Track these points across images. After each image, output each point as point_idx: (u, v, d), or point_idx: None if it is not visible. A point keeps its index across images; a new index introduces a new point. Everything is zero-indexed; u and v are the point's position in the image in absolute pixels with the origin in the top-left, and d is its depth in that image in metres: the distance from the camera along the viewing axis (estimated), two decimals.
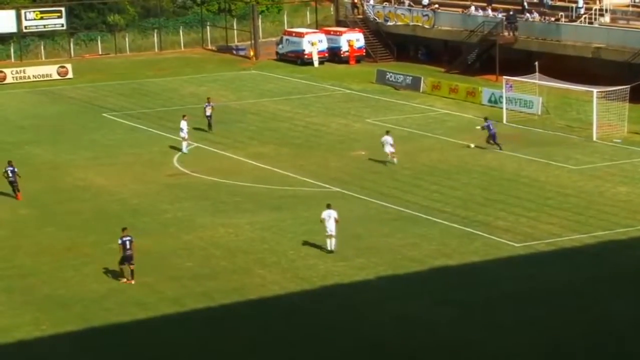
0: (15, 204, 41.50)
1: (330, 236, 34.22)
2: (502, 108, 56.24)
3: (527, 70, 57.11)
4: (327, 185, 43.36)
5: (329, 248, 34.26)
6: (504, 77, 58.60)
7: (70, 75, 73.58)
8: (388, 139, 45.90)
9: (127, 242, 32.20)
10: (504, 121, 54.51)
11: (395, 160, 45.79)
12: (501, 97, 57.42)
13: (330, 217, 34.15)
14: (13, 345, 27.88)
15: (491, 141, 48.22)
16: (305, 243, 35.62)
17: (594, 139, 50.28)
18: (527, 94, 56.97)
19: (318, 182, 43.99)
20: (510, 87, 57.35)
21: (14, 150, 50.03)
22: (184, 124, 49.76)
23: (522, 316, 29.04)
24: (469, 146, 48.79)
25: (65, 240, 36.80)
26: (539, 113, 56.31)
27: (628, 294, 30.61)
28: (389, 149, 45.83)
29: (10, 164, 42.36)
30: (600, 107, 51.02)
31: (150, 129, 54.95)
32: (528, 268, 33.13)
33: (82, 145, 52.07)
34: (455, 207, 39.53)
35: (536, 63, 56.25)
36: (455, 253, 34.42)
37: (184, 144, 49.86)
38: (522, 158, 47.13)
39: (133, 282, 32.15)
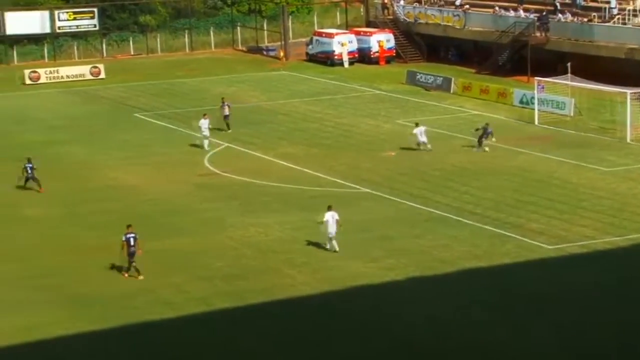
0: (45, 202, 41.58)
1: (331, 238, 34.16)
2: (533, 109, 55.81)
3: (559, 71, 56.69)
4: (357, 186, 43.16)
5: (335, 249, 34.23)
6: (536, 78, 58.15)
7: (102, 75, 74.06)
8: (421, 129, 47.81)
9: (132, 239, 32.39)
10: (536, 122, 54.10)
11: (429, 146, 47.85)
12: (533, 98, 56.96)
13: (332, 218, 34.09)
14: (39, 344, 27.86)
15: (482, 140, 48.40)
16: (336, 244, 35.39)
17: (628, 140, 49.75)
18: (559, 95, 56.49)
19: (348, 182, 43.80)
20: (542, 88, 56.89)
21: (46, 149, 50.33)
22: (203, 122, 49.87)
23: (553, 318, 28.70)
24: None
25: (94, 239, 36.82)
26: (572, 114, 55.80)
27: None
28: (422, 139, 47.74)
29: (29, 160, 42.85)
30: (634, 108, 50.50)
31: (181, 129, 55.00)
32: (560, 270, 32.80)
33: (113, 145, 52.23)
34: (486, 209, 39.20)
35: (568, 64, 55.85)
36: (486, 255, 34.11)
37: (205, 142, 49.98)
38: (554, 159, 46.72)
39: (142, 277, 32.23)
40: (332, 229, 34.08)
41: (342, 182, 43.95)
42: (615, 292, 30.74)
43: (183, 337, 28.13)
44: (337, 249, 34.23)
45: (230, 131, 53.77)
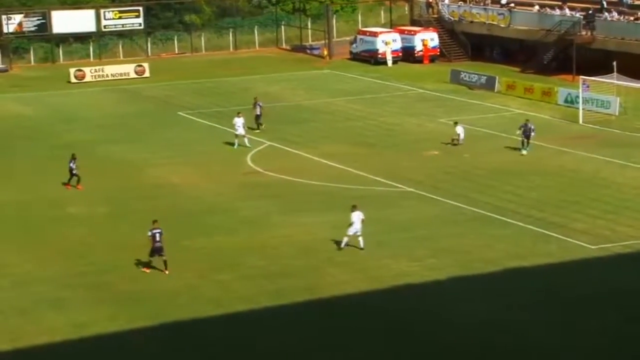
0: (89, 200, 42.02)
1: (357, 235, 34.56)
2: (578, 108, 55.50)
3: (604, 70, 56.29)
4: (400, 185, 43.20)
5: (360, 246, 34.59)
6: (581, 77, 57.86)
7: (147, 74, 74.63)
8: (460, 128, 49.20)
9: (157, 235, 32.90)
10: (580, 122, 53.78)
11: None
12: (577, 97, 56.68)
13: (358, 218, 34.50)
14: (90, 340, 28.26)
15: (527, 139, 47.91)
16: (378, 243, 35.52)
17: None
18: (604, 94, 56.16)
19: (391, 181, 43.85)
20: (587, 87, 56.57)
21: (92, 148, 50.86)
22: (237, 121, 50.40)
23: (597, 319, 28.62)
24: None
25: (140, 237, 37.15)
26: (617, 113, 55.43)
27: None
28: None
29: (73, 157, 43.65)
30: None
31: (225, 127, 55.26)
32: (604, 271, 32.66)
33: (157, 144, 52.68)
34: (529, 208, 39.08)
35: (614, 63, 55.43)
36: (529, 254, 34.03)
37: (245, 139, 50.50)
38: (599, 159, 46.45)
39: (167, 272, 32.73)
40: (357, 227, 34.46)
41: (385, 181, 44.01)
42: None
43: (229, 335, 28.42)
44: (363, 245, 34.63)
45: (260, 129, 53.91)
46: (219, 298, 31.04)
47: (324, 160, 48.19)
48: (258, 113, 54.59)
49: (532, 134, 47.88)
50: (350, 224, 34.53)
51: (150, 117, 60.35)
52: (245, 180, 45.01)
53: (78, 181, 43.59)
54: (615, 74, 54.43)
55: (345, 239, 34.70)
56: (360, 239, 34.59)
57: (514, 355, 26.71)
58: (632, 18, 64.84)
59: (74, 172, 43.49)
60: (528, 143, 47.94)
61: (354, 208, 34.81)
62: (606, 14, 66.58)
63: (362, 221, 34.53)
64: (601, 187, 42.00)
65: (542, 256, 33.85)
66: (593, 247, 34.57)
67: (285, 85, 69.84)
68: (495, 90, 64.54)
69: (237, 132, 50.56)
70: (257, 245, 35.82)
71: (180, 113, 60.87)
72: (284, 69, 76.81)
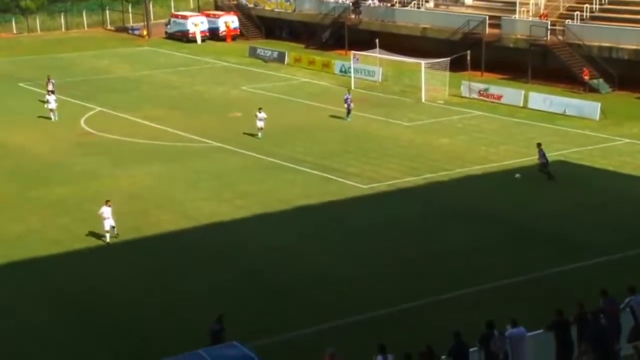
0: None
1: (113, 227, 29.34)
2: (350, 77, 56.49)
3: (370, 46, 57.44)
4: (210, 141, 42.75)
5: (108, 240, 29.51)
6: (352, 51, 58.84)
7: None
8: (261, 115, 42.40)
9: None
10: (352, 87, 54.75)
11: (260, 135, 42.11)
12: (350, 67, 57.65)
13: (108, 211, 29.12)
14: None
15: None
16: (193, 188, 35.07)
17: (423, 100, 51.04)
18: (370, 65, 57.34)
19: (202, 138, 43.31)
20: (357, 59, 57.60)
21: None
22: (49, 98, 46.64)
23: (374, 244, 29.14)
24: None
25: None
26: (380, 81, 56.79)
27: (456, 224, 31.18)
28: (260, 124, 42.23)
29: None
30: (427, 75, 51.78)
31: (60, 96, 52.74)
32: (373, 205, 33.45)
33: (1, 111, 49.79)
34: (315, 157, 39.53)
35: (377, 40, 56.66)
36: (315, 194, 34.42)
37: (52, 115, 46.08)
38: (367, 117, 47.44)
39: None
40: (108, 222, 29.18)
41: (198, 138, 43.42)
42: (418, 221, 31.49)
43: (70, 270, 27.41)
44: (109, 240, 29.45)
45: (51, 104, 47.87)
46: (60, 239, 29.86)
47: (146, 122, 47.00)
48: (51, 89, 49.93)
49: (351, 104, 46.22)
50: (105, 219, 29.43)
51: None
52: (79, 140, 43.31)
53: None
54: (377, 49, 55.61)
55: (107, 235, 29.47)
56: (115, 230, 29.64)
57: (304, 279, 26.93)
58: (389, 4, 66.38)
59: None
60: (349, 112, 46.15)
61: (106, 203, 29.52)
62: (370, 1, 67.87)
63: (112, 213, 29.24)
64: (369, 139, 42.90)
65: (325, 195, 34.33)
66: (364, 186, 35.34)
67: (111, 60, 67.51)
68: (285, 63, 64.73)
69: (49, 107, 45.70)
70: (91, 194, 34.59)
71: (20, 84, 57.76)
72: (110, 47, 74.29)
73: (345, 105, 46.67)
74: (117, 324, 23.63)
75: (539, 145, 35.82)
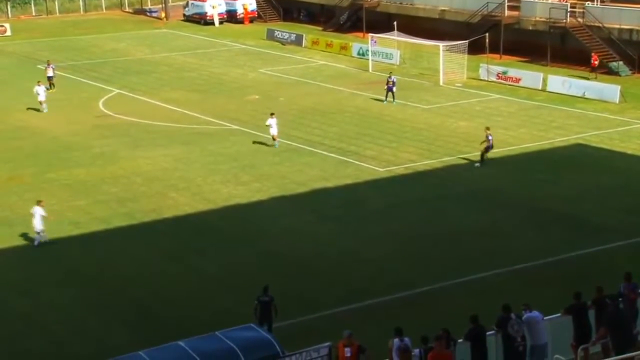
0: None
1: (41, 232, 27.59)
2: (368, 59, 56.23)
3: (388, 28, 57.13)
4: (228, 124, 42.73)
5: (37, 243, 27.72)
6: (370, 34, 58.54)
7: (8, 33, 70.62)
8: (272, 120, 38.08)
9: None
10: (370, 70, 54.50)
11: (276, 144, 38.03)
12: (367, 50, 57.37)
13: (38, 213, 27.58)
14: None
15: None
16: (211, 171, 35.08)
17: (441, 83, 50.76)
18: (388, 48, 57.05)
19: (220, 121, 43.30)
20: (375, 42, 57.32)
21: None
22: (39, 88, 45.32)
23: (391, 227, 29.14)
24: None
25: (7, 171, 35.42)
26: (398, 63, 56.51)
27: (473, 207, 31.08)
28: (273, 132, 38.07)
29: None
30: (445, 58, 51.46)
31: (79, 78, 53.08)
32: (390, 188, 33.36)
33: (20, 92, 49.92)
34: (331, 140, 39.45)
35: (395, 23, 56.32)
36: (332, 177, 34.40)
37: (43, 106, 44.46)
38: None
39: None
40: (38, 223, 27.57)
41: (216, 120, 43.40)
42: (432, 205, 31.45)
43: (87, 251, 27.53)
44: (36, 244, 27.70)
45: (54, 90, 48.81)
46: (78, 220, 29.99)
47: (164, 105, 47.02)
48: (50, 75, 49.68)
49: (394, 87, 45.61)
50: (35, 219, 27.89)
51: (14, 69, 57.21)
52: (98, 122, 43.39)
53: None
54: (395, 31, 55.30)
55: (37, 237, 27.79)
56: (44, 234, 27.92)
57: (322, 259, 26.96)
58: None
59: None
60: (393, 95, 45.61)
61: (38, 203, 27.98)
62: None
63: (43, 217, 27.62)
64: (386, 122, 42.78)
65: (342, 178, 34.29)
66: (381, 169, 35.26)
67: (129, 43, 67.50)
68: (303, 45, 64.50)
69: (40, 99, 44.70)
70: (109, 175, 34.72)
71: (39, 66, 57.81)
72: (128, 29, 74.29)
73: (386, 87, 45.87)
74: (134, 304, 23.74)
75: (487, 129, 35.60)
